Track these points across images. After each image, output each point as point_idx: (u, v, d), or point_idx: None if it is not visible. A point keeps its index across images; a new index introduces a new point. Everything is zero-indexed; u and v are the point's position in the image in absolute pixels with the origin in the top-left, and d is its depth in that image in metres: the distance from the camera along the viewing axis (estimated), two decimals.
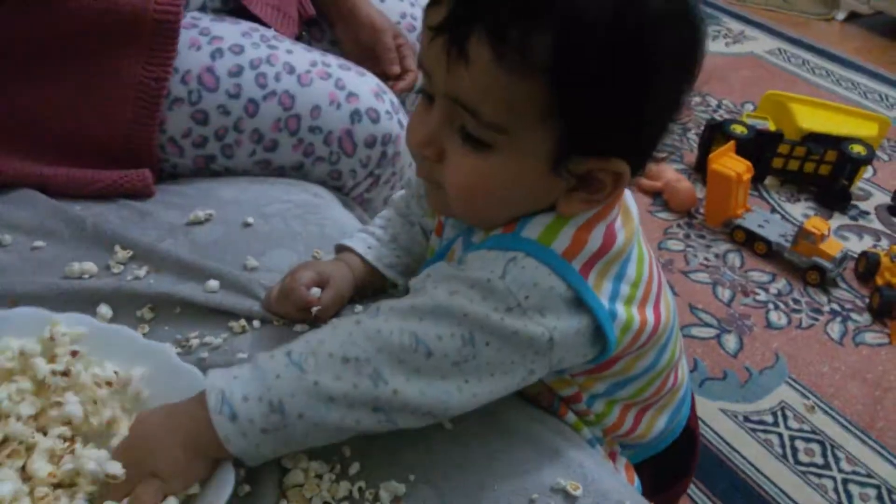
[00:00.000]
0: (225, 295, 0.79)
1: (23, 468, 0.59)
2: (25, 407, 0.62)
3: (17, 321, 0.67)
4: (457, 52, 0.52)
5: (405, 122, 1.06)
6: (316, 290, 0.74)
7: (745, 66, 2.70)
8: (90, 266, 0.82)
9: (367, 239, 0.80)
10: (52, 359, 0.65)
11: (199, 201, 0.91)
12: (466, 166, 0.57)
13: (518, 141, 0.55)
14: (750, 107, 2.41)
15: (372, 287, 0.80)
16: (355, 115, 0.98)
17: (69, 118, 0.90)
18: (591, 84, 0.52)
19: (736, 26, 3.00)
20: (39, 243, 0.86)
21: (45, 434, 0.62)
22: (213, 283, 0.80)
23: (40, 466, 0.59)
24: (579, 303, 0.59)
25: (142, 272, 0.82)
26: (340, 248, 0.81)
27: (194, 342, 0.75)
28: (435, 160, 0.59)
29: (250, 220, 0.89)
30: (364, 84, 1.01)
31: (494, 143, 0.55)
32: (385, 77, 1.11)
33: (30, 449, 0.61)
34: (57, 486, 0.59)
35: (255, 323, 0.77)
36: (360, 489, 0.63)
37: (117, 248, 0.83)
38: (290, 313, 0.75)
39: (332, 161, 1.00)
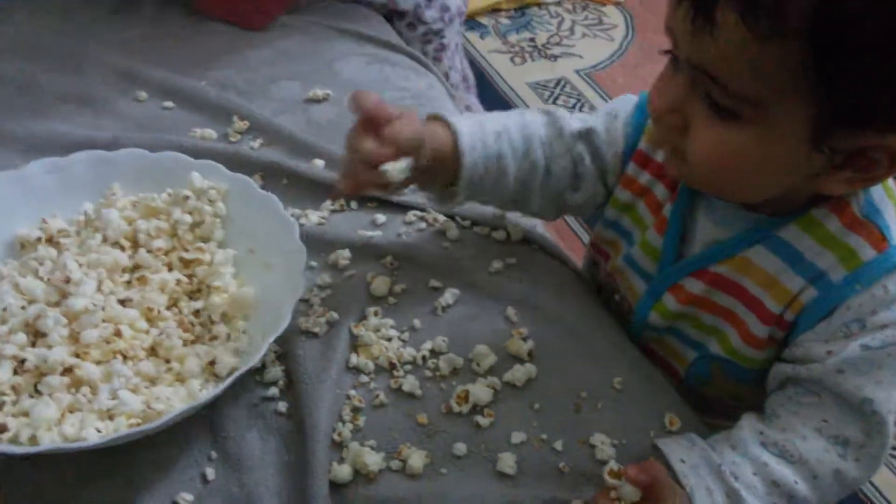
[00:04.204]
0: (329, 174, 0.85)
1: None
2: (158, 242, 0.71)
3: (164, 164, 0.76)
4: (702, 18, 0.48)
5: None
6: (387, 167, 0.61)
7: None
8: (210, 132, 0.90)
9: (475, 137, 0.67)
10: (189, 211, 0.73)
11: (321, 76, 0.96)
12: (713, 138, 0.52)
13: (771, 113, 0.49)
14: None
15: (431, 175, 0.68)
16: None
17: None
18: (858, 44, 0.45)
19: None
20: (169, 104, 0.94)
21: (169, 270, 0.70)
22: (319, 162, 0.86)
23: (153, 298, 0.67)
24: None
25: (256, 143, 0.88)
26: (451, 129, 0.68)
27: (296, 211, 0.81)
28: (678, 129, 0.55)
29: None
30: None
31: (744, 114, 0.50)
32: None
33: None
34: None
35: (353, 204, 0.82)
36: (423, 357, 0.67)
37: (235, 118, 0.90)
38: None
39: None
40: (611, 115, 0.72)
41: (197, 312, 0.67)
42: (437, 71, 1.07)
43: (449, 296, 0.72)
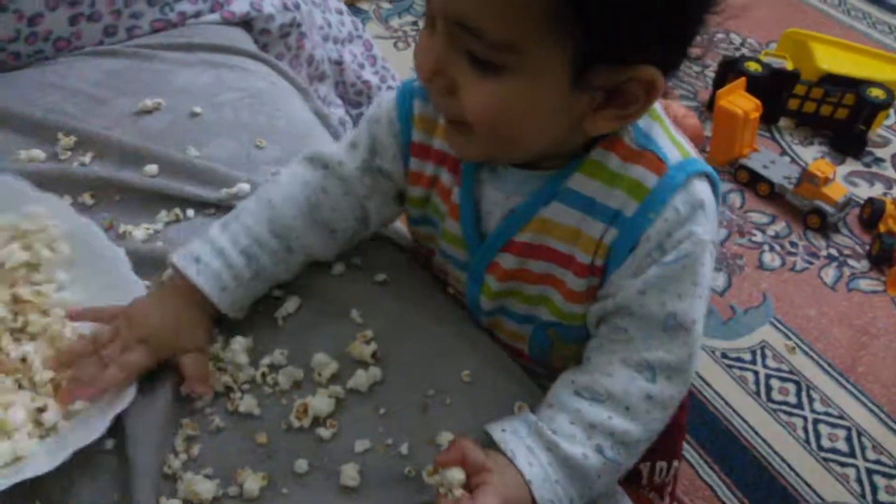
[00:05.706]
0: (162, 179, 0.80)
1: None
2: None
3: None
4: None
5: None
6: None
7: (776, 3, 2.59)
8: (37, 153, 0.83)
9: (221, 276, 0.64)
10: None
11: (152, 89, 0.90)
12: (483, 93, 0.51)
13: (531, 57, 0.49)
14: (775, 46, 2.31)
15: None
16: None
17: None
18: None
19: None
20: None
21: None
22: (152, 167, 0.81)
23: None
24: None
25: (87, 158, 0.83)
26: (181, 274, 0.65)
27: (128, 228, 0.76)
28: (446, 93, 0.53)
29: (198, 109, 0.88)
30: None
31: (506, 63, 0.50)
32: None
33: None
34: None
35: (189, 212, 0.78)
36: (262, 374, 0.64)
37: (60, 135, 0.84)
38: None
39: None
40: (372, 121, 0.68)
41: (24, 360, 0.62)
42: (285, 67, 1.03)
43: (291, 304, 0.68)
